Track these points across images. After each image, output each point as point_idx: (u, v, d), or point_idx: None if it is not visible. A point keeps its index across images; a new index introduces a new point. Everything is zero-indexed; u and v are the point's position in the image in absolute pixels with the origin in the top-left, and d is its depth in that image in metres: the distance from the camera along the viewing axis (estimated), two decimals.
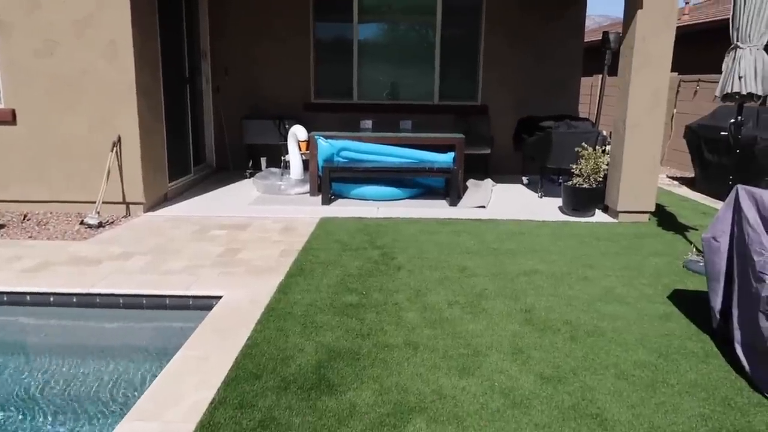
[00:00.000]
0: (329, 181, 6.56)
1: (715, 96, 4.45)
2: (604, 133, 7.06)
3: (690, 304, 3.81)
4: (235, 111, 8.34)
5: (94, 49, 5.69)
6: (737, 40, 4.20)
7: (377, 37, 8.50)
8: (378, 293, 3.84)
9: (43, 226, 5.57)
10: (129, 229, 5.47)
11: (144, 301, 3.75)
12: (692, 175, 8.76)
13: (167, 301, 3.75)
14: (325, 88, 8.47)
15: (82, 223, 5.59)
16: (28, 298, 3.79)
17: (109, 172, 5.84)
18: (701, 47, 11.67)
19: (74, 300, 3.78)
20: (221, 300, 3.67)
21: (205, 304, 3.69)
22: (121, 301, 3.76)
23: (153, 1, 6.07)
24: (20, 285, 3.89)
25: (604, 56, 7.78)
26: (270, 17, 8.15)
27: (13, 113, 5.85)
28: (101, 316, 3.82)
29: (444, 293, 3.88)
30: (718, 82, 9.09)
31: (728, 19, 11.52)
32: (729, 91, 4.23)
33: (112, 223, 5.73)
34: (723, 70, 4.31)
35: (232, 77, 8.28)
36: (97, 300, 3.77)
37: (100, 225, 5.55)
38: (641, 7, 5.49)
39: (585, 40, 8.61)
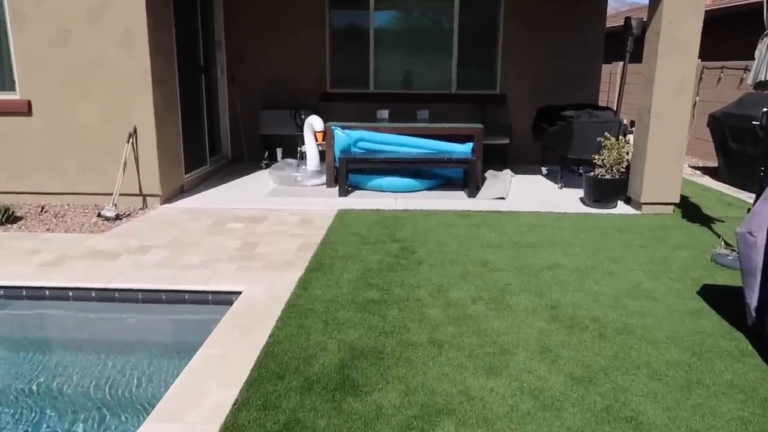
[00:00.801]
0: (346, 172, 6.47)
1: (747, 83, 4.29)
2: (625, 122, 6.89)
3: (721, 299, 3.70)
4: (251, 101, 8.26)
5: (108, 38, 5.63)
6: None
7: (394, 25, 8.36)
8: (399, 288, 3.76)
9: (61, 219, 5.55)
10: (146, 221, 5.43)
11: (163, 296, 3.71)
12: (715, 164, 8.57)
13: (186, 296, 3.70)
14: (341, 78, 8.36)
15: (99, 215, 5.56)
16: (47, 293, 3.76)
17: (125, 163, 5.80)
18: (724, 33, 11.38)
19: (93, 295, 3.74)
20: (241, 296, 3.61)
21: (224, 299, 3.63)
22: (140, 296, 3.72)
23: None
24: (39, 279, 3.85)
25: (625, 43, 7.59)
26: (285, 6, 8.04)
27: (29, 104, 5.81)
28: (121, 310, 3.78)
29: (467, 288, 3.79)
30: (742, 69, 8.89)
31: (752, 4, 11.17)
32: (763, 79, 4.08)
33: (129, 215, 5.69)
34: (756, 57, 4.16)
35: (247, 67, 8.20)
36: (116, 295, 3.73)
37: (117, 217, 5.52)
38: None
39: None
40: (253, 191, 6.62)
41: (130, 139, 5.80)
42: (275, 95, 8.30)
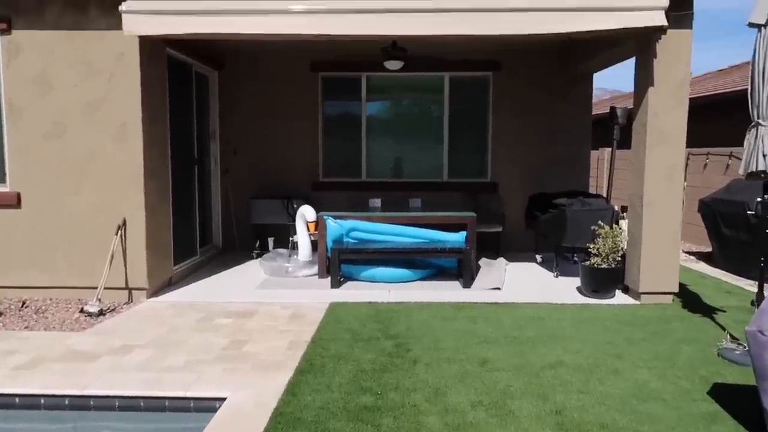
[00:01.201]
0: (338, 262, 6.36)
1: (739, 174, 4.31)
2: (617, 207, 6.91)
3: (734, 401, 3.50)
4: (243, 191, 8.28)
5: (103, 132, 5.67)
6: (758, 117, 4.10)
7: (385, 114, 8.55)
8: (394, 392, 3.55)
9: (42, 314, 5.34)
10: (130, 317, 5.23)
11: (142, 404, 3.47)
12: (709, 249, 8.54)
13: (166, 404, 3.47)
14: (334, 167, 8.44)
15: (82, 311, 5.36)
16: (17, 400, 3.52)
17: (112, 256, 5.67)
18: (704, 120, 11.74)
19: (67, 402, 3.50)
20: (225, 402, 3.38)
21: (207, 406, 3.40)
22: (116, 403, 3.48)
23: (164, 84, 6.11)
24: (11, 385, 3.62)
25: (611, 130, 7.78)
26: (279, 97, 8.24)
27: (18, 197, 5.75)
28: (96, 419, 3.53)
29: (465, 392, 3.58)
30: (728, 155, 9.05)
31: (729, 92, 11.58)
32: (754, 170, 4.09)
33: (113, 310, 5.50)
34: (745, 147, 4.19)
35: (240, 157, 8.28)
36: (92, 402, 3.49)
37: (101, 313, 5.32)
38: (652, 85, 5.46)
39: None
40: (243, 283, 6.46)
41: (119, 232, 5.71)
42: (267, 185, 8.33)
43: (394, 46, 7.11)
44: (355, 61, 8.07)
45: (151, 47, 5.77)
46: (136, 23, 5.22)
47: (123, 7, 5.22)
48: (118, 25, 5.35)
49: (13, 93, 5.68)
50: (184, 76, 6.93)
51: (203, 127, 7.78)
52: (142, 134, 5.61)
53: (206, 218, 7.94)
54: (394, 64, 7.34)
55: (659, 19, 5.08)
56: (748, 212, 5.08)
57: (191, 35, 5.49)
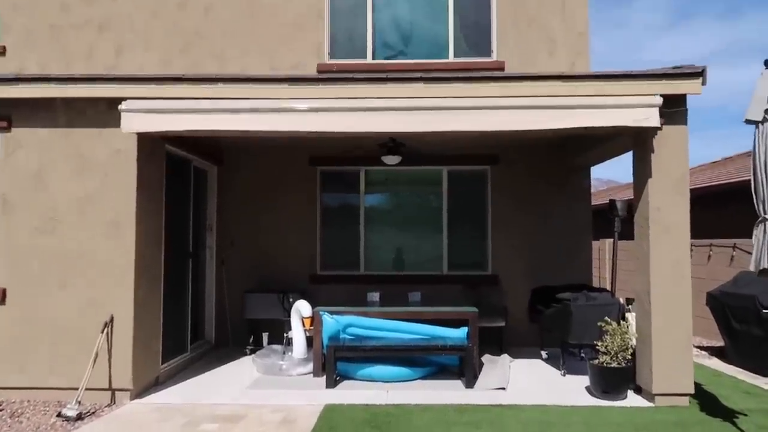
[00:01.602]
0: (334, 360, 6.07)
1: (750, 270, 4.15)
2: (621, 300, 6.69)
3: None
4: (238, 284, 8.09)
5: (95, 227, 5.58)
6: (765, 213, 4.00)
7: (384, 207, 8.53)
8: None
9: (16, 419, 5.01)
10: (110, 422, 4.89)
11: None
12: (720, 343, 8.21)
13: None
14: (332, 260, 8.30)
15: (59, 414, 5.02)
16: None
17: (96, 355, 5.40)
18: (702, 211, 11.73)
19: None
20: None
21: None
22: None
23: (161, 179, 6.09)
24: None
25: (611, 221, 7.70)
26: (278, 190, 8.24)
27: (4, 293, 5.58)
28: None
29: None
30: (731, 246, 8.93)
31: (724, 184, 11.64)
32: (765, 267, 3.94)
33: (93, 413, 5.17)
34: (754, 243, 4.07)
35: (237, 249, 8.16)
36: None
37: (79, 417, 4.99)
38: (651, 176, 5.43)
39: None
40: (233, 382, 6.13)
41: (105, 329, 5.47)
42: (263, 278, 8.15)
43: (392, 142, 7.19)
44: (353, 156, 8.14)
45: (150, 144, 5.80)
46: (134, 121, 5.28)
47: (122, 106, 5.30)
48: (116, 123, 5.41)
49: (8, 188, 5.65)
50: (183, 171, 6.94)
51: (200, 220, 7.72)
52: (135, 230, 5.51)
53: (199, 312, 7.69)
54: (392, 159, 7.39)
55: (654, 120, 5.14)
56: (764, 311, 4.88)
57: (189, 132, 5.54)
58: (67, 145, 5.64)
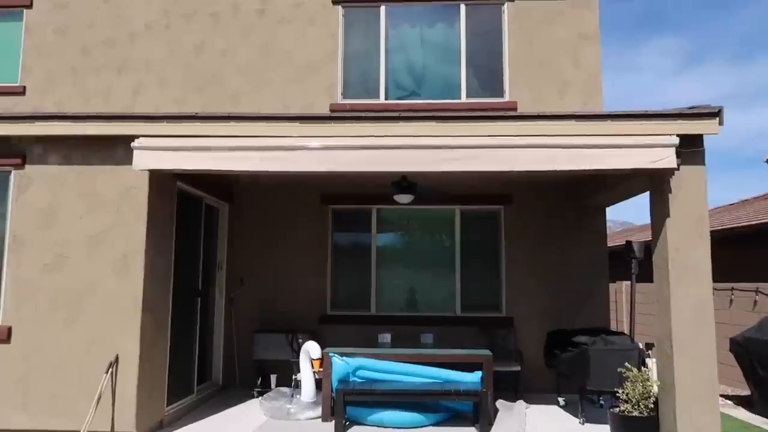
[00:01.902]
0: (344, 404, 5.87)
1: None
2: (641, 345, 6.46)
3: None
4: (247, 323, 7.95)
5: (104, 264, 5.52)
6: None
7: (396, 247, 8.42)
8: None
9: None
10: None
11: None
12: (746, 391, 7.88)
13: None
14: (342, 300, 8.17)
15: None
16: None
17: (100, 396, 5.27)
18: (721, 253, 11.49)
19: None
20: None
21: None
22: None
23: (171, 217, 6.06)
24: None
25: (627, 263, 7.53)
26: (289, 228, 8.18)
27: (9, 331, 5.50)
28: None
29: None
30: (754, 291, 8.67)
31: (746, 226, 11.38)
32: None
33: None
34: None
35: (246, 288, 8.06)
36: None
37: None
38: (669, 216, 5.30)
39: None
40: (239, 427, 5.94)
41: (110, 369, 5.35)
42: (272, 318, 8.01)
43: (404, 181, 7.14)
44: (365, 194, 8.09)
45: (162, 181, 5.79)
46: (147, 159, 5.29)
47: (135, 143, 5.32)
48: (128, 160, 5.41)
49: (19, 226, 5.64)
50: (194, 209, 6.92)
51: (210, 257, 7.65)
52: (143, 267, 5.45)
53: (206, 352, 7.55)
54: (404, 198, 7.33)
55: (671, 161, 5.05)
56: None
57: (201, 171, 5.53)
58: (79, 182, 5.65)
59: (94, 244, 5.56)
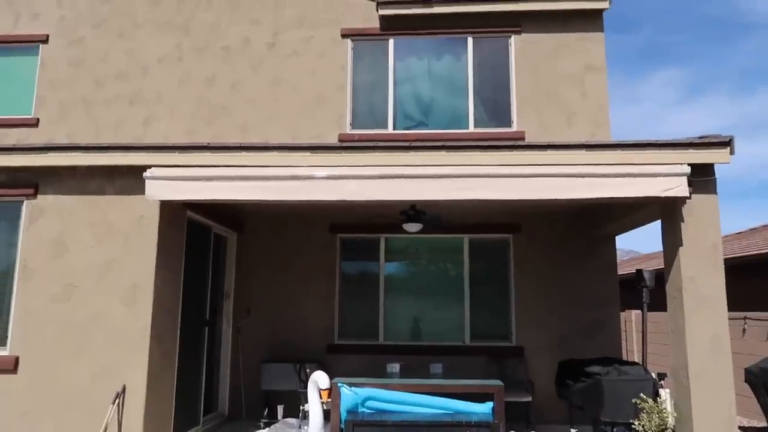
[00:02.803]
0: None
1: None
2: (654, 375, 6.36)
3: None
4: (255, 353, 7.88)
5: (113, 294, 5.52)
6: None
7: (405, 276, 8.38)
8: None
9: None
10: None
11: None
12: (762, 423, 7.70)
13: None
14: (350, 329, 8.10)
15: None
16: None
17: (106, 427, 5.21)
18: (734, 281, 11.39)
19: None
20: None
21: None
22: None
23: (181, 246, 6.07)
24: None
25: (637, 292, 7.45)
26: (297, 257, 8.17)
27: (16, 361, 5.47)
28: None
29: None
30: (766, 320, 8.56)
31: (755, 255, 11.31)
32: None
33: None
34: None
35: (254, 318, 8.01)
36: None
37: None
38: (682, 245, 5.27)
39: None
40: None
41: (117, 400, 5.29)
42: (279, 348, 7.94)
43: (413, 210, 7.14)
44: (374, 224, 8.09)
45: (172, 211, 5.82)
46: (158, 189, 5.32)
47: (147, 173, 5.36)
48: (140, 190, 5.45)
49: (29, 255, 5.66)
50: (203, 238, 6.94)
51: (218, 287, 7.64)
52: (153, 297, 5.44)
53: (213, 383, 7.47)
54: (412, 227, 7.32)
55: (683, 189, 5.04)
56: None
57: (212, 201, 5.56)
58: (90, 212, 5.68)
59: (103, 274, 5.57)
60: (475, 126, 8.39)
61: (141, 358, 5.36)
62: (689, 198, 5.19)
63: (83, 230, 5.66)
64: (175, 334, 5.93)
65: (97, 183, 5.74)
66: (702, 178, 5.24)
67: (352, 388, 6.11)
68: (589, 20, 8.46)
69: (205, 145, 5.78)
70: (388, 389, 6.16)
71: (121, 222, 5.63)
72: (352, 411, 5.98)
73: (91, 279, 5.56)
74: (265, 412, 7.43)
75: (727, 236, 16.58)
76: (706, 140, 5.26)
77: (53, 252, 5.63)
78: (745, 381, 7.54)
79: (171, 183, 5.38)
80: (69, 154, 5.75)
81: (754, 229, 15.94)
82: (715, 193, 5.31)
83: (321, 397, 6.50)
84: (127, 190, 5.67)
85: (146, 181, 5.38)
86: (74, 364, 5.43)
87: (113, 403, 5.27)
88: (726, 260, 11.78)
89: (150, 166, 5.51)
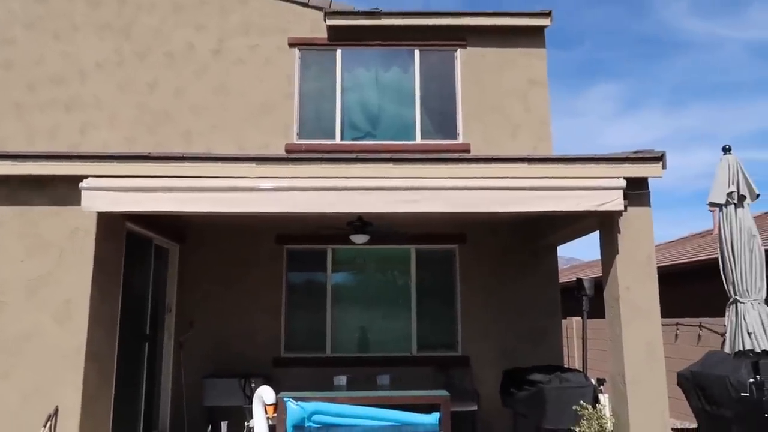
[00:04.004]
0: None
1: (725, 352, 4.11)
2: (593, 381, 6.56)
3: None
4: (197, 368, 7.65)
5: (44, 310, 5.25)
6: (735, 294, 4.02)
7: (352, 286, 8.36)
8: None
9: None
10: None
11: None
12: (694, 424, 8.06)
13: None
14: (297, 341, 7.99)
15: None
16: None
17: None
18: (667, 289, 11.91)
19: None
20: None
21: None
22: None
23: (119, 259, 5.85)
24: None
25: (577, 299, 7.68)
26: (242, 269, 8.01)
27: None
28: None
29: None
30: (697, 325, 8.99)
31: (687, 263, 11.88)
32: (741, 349, 3.91)
33: None
34: (727, 326, 4.06)
35: (197, 331, 7.79)
36: None
37: None
38: (618, 256, 5.47)
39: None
40: None
41: (48, 423, 5.03)
42: (224, 361, 7.74)
43: (360, 221, 7.14)
44: (321, 235, 8.03)
45: (110, 222, 5.60)
46: (96, 200, 5.11)
47: (83, 184, 5.14)
48: (76, 201, 5.21)
49: None
50: (143, 250, 6.71)
51: (159, 300, 7.39)
52: (88, 313, 5.21)
53: (153, 399, 7.21)
54: (360, 238, 7.32)
55: (618, 203, 5.23)
56: (742, 394, 4.86)
57: (154, 213, 5.39)
58: (21, 224, 5.40)
59: (34, 289, 5.29)
60: (422, 137, 8.49)
61: (75, 378, 5.12)
62: (624, 211, 5.41)
63: (13, 243, 5.37)
64: (112, 351, 5.70)
65: (28, 193, 5.46)
66: (637, 191, 5.47)
67: (299, 403, 6.03)
68: (532, 36, 8.72)
69: (147, 154, 5.60)
70: (335, 402, 6.11)
71: (55, 234, 5.37)
72: (298, 426, 5.90)
73: (20, 294, 5.28)
74: (209, 429, 7.22)
75: (660, 245, 17.36)
76: (640, 155, 5.49)
77: None
78: (678, 385, 7.88)
79: (109, 194, 5.18)
80: None
81: (684, 237, 16.76)
82: (649, 205, 5.55)
83: (266, 413, 6.38)
84: (62, 201, 5.42)
85: (82, 192, 5.16)
86: (3, 385, 5.12)
87: (44, 426, 5.00)
88: (659, 268, 12.32)
89: (87, 176, 5.28)
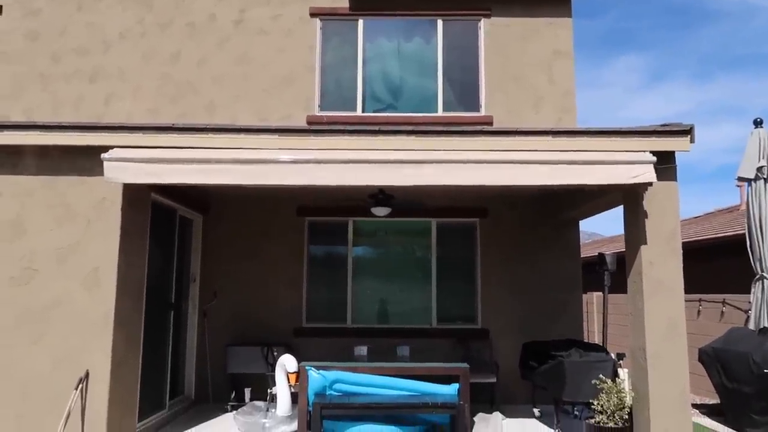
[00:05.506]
0: (320, 418, 5.79)
1: (750, 328, 4.07)
2: (613, 355, 6.56)
3: None
4: (221, 337, 7.82)
5: (74, 278, 5.38)
6: (762, 270, 3.96)
7: (372, 259, 8.40)
8: None
9: None
10: None
11: None
12: (714, 400, 8.05)
13: None
14: (318, 312, 8.10)
15: None
16: None
17: (69, 414, 5.11)
18: (691, 264, 11.77)
19: None
20: None
21: None
22: None
23: (145, 229, 5.94)
24: None
25: (598, 274, 7.65)
26: (264, 241, 8.10)
27: None
28: None
29: None
30: (721, 302, 8.90)
31: (713, 238, 11.69)
32: (766, 325, 3.86)
33: None
34: (753, 302, 4.02)
35: (220, 301, 7.93)
36: None
37: None
38: (644, 234, 5.41)
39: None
40: None
41: (80, 386, 5.19)
42: (247, 330, 7.90)
43: (381, 193, 7.14)
44: (342, 207, 8.06)
45: (136, 192, 5.67)
46: (119, 171, 5.16)
47: (105, 155, 5.19)
48: (101, 171, 5.28)
49: None
50: (168, 220, 6.81)
51: (183, 270, 7.52)
52: (116, 281, 5.32)
53: (179, 366, 7.40)
54: (381, 211, 7.33)
55: (650, 176, 5.09)
56: (765, 370, 4.79)
57: (176, 184, 5.44)
58: (49, 194, 5.50)
59: (64, 257, 5.42)
60: (444, 109, 8.40)
61: (104, 344, 5.26)
62: (651, 183, 5.31)
63: (42, 212, 5.48)
64: (139, 319, 5.83)
65: (56, 163, 5.55)
66: (663, 165, 5.37)
67: (320, 371, 6.13)
68: (557, 5, 8.51)
69: (171, 126, 5.64)
70: (355, 372, 6.21)
71: (83, 204, 5.47)
72: (319, 394, 6.01)
73: (51, 263, 5.41)
74: (232, 396, 7.41)
75: (684, 221, 17.10)
76: (668, 128, 5.38)
77: (10, 235, 5.45)
78: (699, 361, 7.85)
79: (132, 165, 5.22)
80: (25, 133, 5.53)
81: (710, 213, 16.47)
82: (675, 180, 5.45)
83: (289, 381, 6.51)
84: (88, 171, 5.50)
85: (104, 163, 5.22)
86: (34, 350, 5.29)
87: (76, 389, 5.17)
88: (683, 244, 12.16)
89: (112, 147, 5.35)
